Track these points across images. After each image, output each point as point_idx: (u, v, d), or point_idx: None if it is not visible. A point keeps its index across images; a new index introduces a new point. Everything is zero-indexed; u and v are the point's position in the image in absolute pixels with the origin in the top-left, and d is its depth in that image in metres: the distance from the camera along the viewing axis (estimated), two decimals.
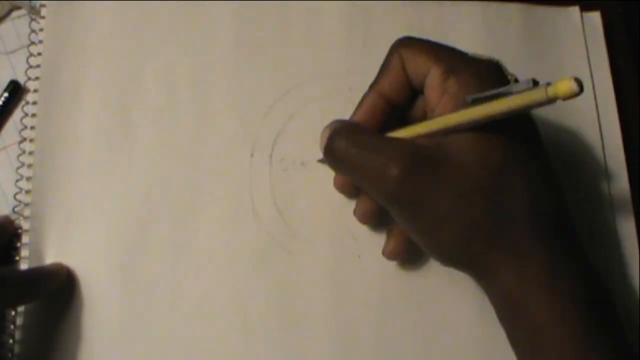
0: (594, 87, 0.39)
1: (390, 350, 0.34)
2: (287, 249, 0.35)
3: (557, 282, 0.28)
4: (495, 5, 0.40)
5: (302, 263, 0.35)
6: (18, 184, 0.35)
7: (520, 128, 0.29)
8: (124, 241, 0.35)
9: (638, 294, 0.35)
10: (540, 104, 0.25)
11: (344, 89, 0.37)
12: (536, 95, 0.25)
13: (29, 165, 0.35)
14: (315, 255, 0.35)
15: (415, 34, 0.38)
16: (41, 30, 0.37)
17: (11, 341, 0.33)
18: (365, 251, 0.35)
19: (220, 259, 0.35)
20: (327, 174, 0.35)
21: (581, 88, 0.23)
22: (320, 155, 0.33)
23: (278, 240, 0.35)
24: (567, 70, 0.39)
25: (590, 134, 0.38)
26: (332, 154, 0.32)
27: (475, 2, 0.40)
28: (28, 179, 0.35)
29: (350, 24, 0.39)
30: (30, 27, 0.37)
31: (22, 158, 0.35)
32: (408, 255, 0.34)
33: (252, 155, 0.36)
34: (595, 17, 0.40)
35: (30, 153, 0.35)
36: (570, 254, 0.29)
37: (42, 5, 0.37)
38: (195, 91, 0.37)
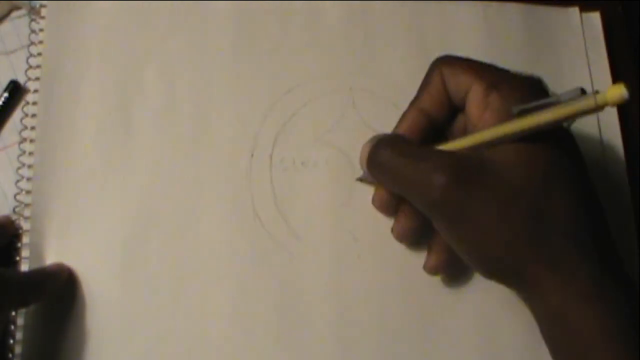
0: (593, 87, 0.39)
1: (391, 350, 0.34)
2: (287, 249, 0.35)
3: (604, 298, 0.27)
4: (495, 5, 0.40)
5: (302, 263, 0.35)
6: (18, 184, 0.35)
7: (561, 142, 0.29)
8: (125, 241, 0.35)
9: (638, 293, 0.35)
10: (588, 112, 0.25)
11: (344, 88, 0.37)
12: (585, 103, 0.25)
13: (29, 166, 0.35)
14: (315, 255, 0.35)
15: (415, 33, 0.39)
16: (41, 30, 0.37)
17: (12, 341, 0.33)
18: (365, 251, 0.35)
19: (220, 259, 0.35)
20: (328, 174, 0.36)
21: (630, 95, 0.23)
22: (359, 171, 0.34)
23: (278, 240, 0.35)
24: (566, 70, 0.39)
25: (590, 134, 0.38)
26: (376, 164, 0.32)
27: (476, 2, 0.40)
28: (28, 179, 0.35)
29: (350, 23, 0.39)
30: (30, 27, 0.37)
31: (22, 158, 0.35)
32: (450, 269, 0.34)
33: (252, 155, 0.36)
34: (595, 18, 0.40)
35: (31, 153, 0.35)
36: (613, 269, 0.29)
37: (42, 6, 0.37)
38: (196, 91, 0.37)
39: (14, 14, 0.39)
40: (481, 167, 0.29)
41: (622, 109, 0.39)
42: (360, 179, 0.36)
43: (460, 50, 0.38)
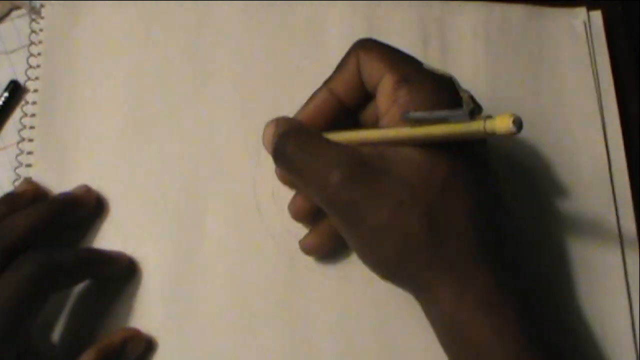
0: (599, 88, 0.39)
1: (392, 350, 0.34)
2: (292, 256, 0.35)
3: (496, 306, 0.27)
4: (499, 5, 0.40)
5: (304, 264, 0.35)
6: (15, 184, 0.35)
7: (467, 148, 0.29)
8: (126, 240, 0.35)
9: (638, 294, 0.35)
10: (478, 135, 0.24)
11: None
12: (474, 126, 0.24)
13: (28, 165, 0.35)
14: (319, 261, 0.35)
15: (418, 33, 0.39)
16: (41, 30, 0.37)
17: None
18: None
19: (224, 260, 0.35)
20: None
21: (519, 128, 0.23)
22: None
23: (281, 242, 0.35)
24: (570, 70, 0.39)
25: (593, 134, 0.38)
26: (280, 156, 0.31)
27: (480, 3, 0.40)
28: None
29: (354, 30, 0.38)
30: (30, 27, 0.37)
31: (20, 158, 0.35)
32: (325, 253, 0.34)
33: (257, 157, 0.36)
34: (596, 16, 0.40)
35: (29, 153, 0.35)
36: (510, 276, 0.28)
37: (42, 6, 0.38)
38: (197, 91, 0.37)
39: (14, 13, 0.39)
40: (378, 167, 0.28)
41: (622, 109, 0.39)
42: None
43: (460, 49, 0.39)
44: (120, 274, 0.34)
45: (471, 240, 0.28)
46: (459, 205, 0.28)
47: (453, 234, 0.28)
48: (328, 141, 0.31)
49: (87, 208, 0.34)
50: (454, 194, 0.28)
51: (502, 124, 0.23)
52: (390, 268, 0.29)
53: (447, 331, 0.29)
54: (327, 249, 0.34)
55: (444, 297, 0.28)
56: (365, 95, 0.32)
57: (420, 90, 0.29)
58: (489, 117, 0.24)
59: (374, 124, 0.31)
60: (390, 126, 0.29)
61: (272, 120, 0.32)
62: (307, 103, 0.32)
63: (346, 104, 0.32)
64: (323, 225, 0.33)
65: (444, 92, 0.29)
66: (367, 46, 0.31)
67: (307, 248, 0.34)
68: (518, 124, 0.23)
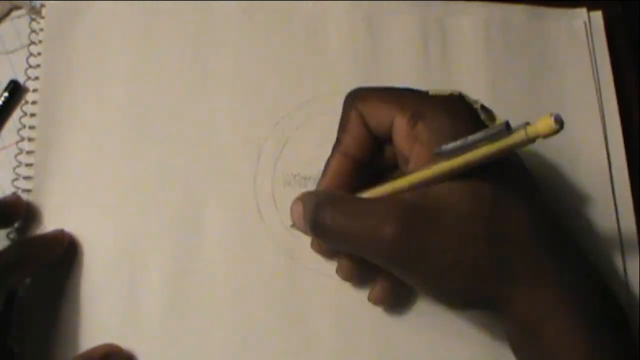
0: (599, 88, 0.39)
1: (392, 350, 0.34)
2: (292, 256, 0.35)
3: (569, 305, 0.27)
4: (500, 6, 0.40)
5: (304, 264, 0.35)
6: (16, 183, 0.35)
7: (502, 163, 0.28)
8: (125, 242, 0.35)
9: (638, 293, 0.35)
10: (521, 144, 0.24)
11: None
12: (515, 138, 0.24)
13: (28, 165, 0.35)
14: (319, 261, 0.35)
15: (418, 33, 0.39)
16: (41, 29, 0.37)
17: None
18: None
19: (224, 260, 0.35)
20: None
21: (561, 125, 0.23)
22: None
23: (281, 242, 0.35)
24: (570, 70, 0.39)
25: (593, 134, 0.38)
26: (320, 228, 0.30)
27: (481, 3, 0.40)
28: (26, 178, 0.35)
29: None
30: (30, 27, 0.37)
31: (20, 157, 0.35)
32: (395, 300, 0.34)
33: (257, 157, 0.36)
34: (596, 17, 0.40)
35: (29, 153, 0.35)
36: (577, 270, 0.28)
37: (42, 5, 0.37)
38: (198, 92, 0.37)
39: (14, 13, 0.39)
40: (427, 210, 0.28)
41: (622, 109, 0.39)
42: (294, 227, 0.34)
43: (461, 50, 0.39)
44: (62, 253, 0.33)
45: (532, 247, 0.28)
46: (512, 216, 0.28)
47: (514, 246, 0.28)
48: (369, 200, 0.30)
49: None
50: (504, 207, 0.28)
51: (544, 125, 0.23)
52: (463, 299, 0.29)
53: (521, 338, 0.28)
54: (396, 295, 0.33)
55: (518, 305, 0.28)
56: (376, 145, 0.31)
57: (437, 120, 0.28)
58: (527, 124, 0.24)
59: (395, 168, 0.31)
60: (422, 166, 0.28)
61: (297, 198, 0.32)
62: (324, 172, 0.32)
63: (362, 159, 0.31)
64: (381, 275, 0.33)
65: (460, 113, 0.28)
66: (363, 96, 0.31)
67: (377, 301, 0.33)
68: (560, 121, 0.23)
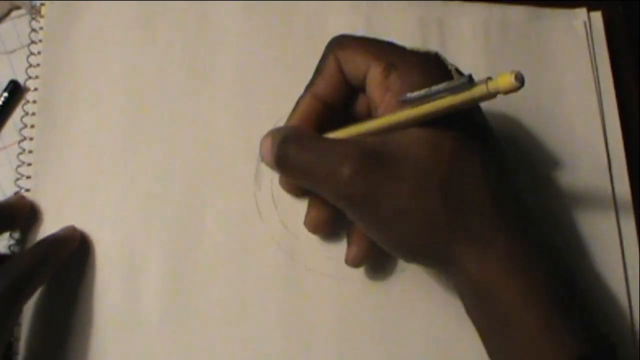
0: (599, 89, 0.39)
1: (392, 350, 0.34)
2: (292, 256, 0.35)
3: (521, 267, 0.28)
4: (499, 6, 0.40)
5: (304, 264, 0.35)
6: (18, 182, 0.35)
7: (467, 117, 0.29)
8: (125, 241, 0.35)
9: (638, 293, 0.35)
10: (482, 98, 0.25)
11: None
12: (477, 91, 0.25)
13: (29, 164, 0.35)
14: (319, 261, 0.35)
15: (418, 33, 0.39)
16: (41, 28, 0.37)
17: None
18: None
19: (224, 261, 0.35)
20: None
21: (522, 82, 0.23)
22: None
23: (281, 242, 0.35)
24: (570, 70, 0.39)
25: (593, 134, 0.38)
26: (284, 162, 0.31)
27: (480, 3, 0.40)
28: (28, 177, 0.35)
29: (353, 24, 0.38)
30: (30, 26, 0.37)
31: (22, 157, 0.35)
32: (371, 258, 0.34)
33: (257, 157, 0.36)
34: (596, 17, 0.40)
35: (30, 152, 0.35)
36: (532, 237, 0.29)
37: (42, 5, 0.37)
38: (198, 92, 0.37)
39: (14, 13, 0.39)
40: (386, 153, 0.28)
41: (622, 109, 0.39)
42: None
43: (460, 50, 0.39)
44: (75, 249, 0.34)
45: (488, 205, 0.28)
46: (470, 172, 0.28)
47: (470, 203, 0.28)
48: (332, 139, 0.31)
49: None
50: (463, 161, 0.28)
51: (505, 81, 0.23)
52: (414, 247, 0.29)
53: (474, 299, 0.29)
54: (371, 253, 0.33)
55: (469, 264, 0.28)
56: (350, 92, 0.32)
57: (410, 73, 0.29)
58: (489, 78, 0.24)
59: (367, 117, 0.31)
60: (389, 113, 0.29)
61: (267, 133, 0.33)
62: (293, 111, 0.33)
63: (332, 104, 0.32)
64: (355, 232, 0.33)
65: (433, 69, 0.29)
66: (343, 43, 0.31)
67: (355, 262, 0.33)
68: (520, 78, 0.23)
